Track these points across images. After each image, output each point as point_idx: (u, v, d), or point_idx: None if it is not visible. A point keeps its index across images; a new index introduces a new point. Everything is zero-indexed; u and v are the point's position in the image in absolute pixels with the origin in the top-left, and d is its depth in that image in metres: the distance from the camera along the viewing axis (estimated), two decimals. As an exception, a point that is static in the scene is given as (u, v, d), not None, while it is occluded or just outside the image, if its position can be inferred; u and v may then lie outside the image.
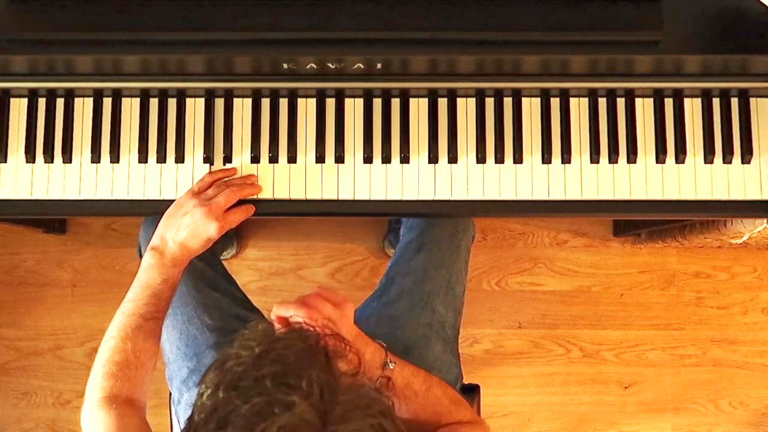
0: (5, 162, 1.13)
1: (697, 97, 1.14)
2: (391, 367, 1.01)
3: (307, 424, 0.64)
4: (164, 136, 1.14)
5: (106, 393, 0.98)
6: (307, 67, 1.05)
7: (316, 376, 0.67)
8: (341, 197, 1.13)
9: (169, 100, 1.14)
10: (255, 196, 1.13)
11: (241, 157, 1.13)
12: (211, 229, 1.06)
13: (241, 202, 1.11)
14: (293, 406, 0.64)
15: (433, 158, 1.13)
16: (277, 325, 0.79)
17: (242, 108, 1.14)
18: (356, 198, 1.13)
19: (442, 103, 1.14)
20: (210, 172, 1.13)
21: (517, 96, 1.14)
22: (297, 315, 0.92)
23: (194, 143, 1.14)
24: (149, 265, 1.07)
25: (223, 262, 1.40)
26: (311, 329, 0.75)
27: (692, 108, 1.14)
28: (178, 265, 1.08)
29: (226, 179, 1.13)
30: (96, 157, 1.13)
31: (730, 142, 1.14)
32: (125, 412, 0.97)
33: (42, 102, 1.14)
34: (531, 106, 1.14)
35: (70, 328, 1.95)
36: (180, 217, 1.07)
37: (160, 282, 1.06)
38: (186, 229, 1.07)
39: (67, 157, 1.13)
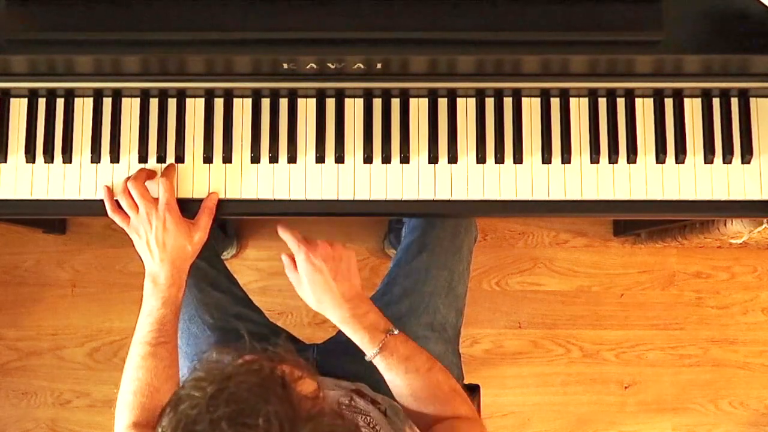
0: (5, 162, 1.13)
1: (697, 97, 1.14)
2: (395, 332, 1.03)
3: None
4: (164, 136, 1.13)
5: (127, 423, 1.00)
6: (307, 67, 1.05)
7: (273, 411, 0.66)
8: (341, 197, 1.13)
9: (169, 100, 1.14)
10: (256, 197, 1.13)
11: (241, 157, 1.13)
12: (181, 230, 1.08)
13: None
14: None
15: (433, 158, 1.13)
16: (227, 358, 0.78)
17: (242, 108, 1.14)
18: (356, 198, 1.13)
19: (442, 103, 1.14)
20: (123, 189, 1.10)
21: (517, 96, 1.14)
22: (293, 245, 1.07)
23: (194, 143, 1.14)
24: (146, 295, 1.09)
25: (224, 261, 1.40)
26: (264, 360, 0.74)
27: (692, 108, 1.14)
28: (175, 284, 1.08)
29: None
30: (96, 157, 1.13)
31: (730, 142, 1.13)
32: None
33: (42, 102, 1.14)
34: (531, 106, 1.14)
35: (70, 328, 1.95)
36: (145, 243, 1.08)
37: (159, 307, 1.07)
38: (159, 247, 1.08)
39: (67, 157, 1.13)
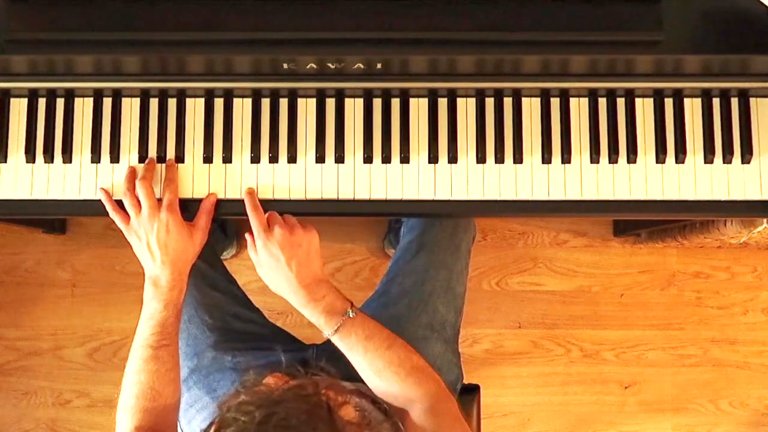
0: (5, 162, 1.13)
1: (697, 97, 1.14)
2: (351, 315, 1.06)
3: None
4: (164, 136, 1.13)
5: (129, 427, 1.00)
6: (307, 67, 1.05)
7: None
8: (341, 197, 1.13)
9: (169, 100, 1.14)
10: (258, 197, 1.13)
11: (241, 157, 1.13)
12: (183, 232, 1.07)
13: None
14: None
15: (433, 158, 1.13)
16: (271, 381, 0.78)
17: (242, 108, 1.14)
18: (356, 198, 1.13)
19: (442, 103, 1.14)
20: (130, 188, 1.09)
21: (517, 96, 1.14)
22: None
23: (194, 143, 1.14)
24: (147, 298, 1.08)
25: (223, 262, 1.40)
26: (310, 384, 0.74)
27: (692, 108, 1.14)
28: (177, 286, 1.08)
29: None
30: (96, 157, 1.13)
31: (730, 142, 1.14)
32: None
33: (42, 102, 1.14)
34: (531, 106, 1.14)
35: (70, 328, 1.95)
36: (146, 246, 1.08)
37: (161, 310, 1.07)
38: (161, 249, 1.07)
39: (67, 157, 1.13)
